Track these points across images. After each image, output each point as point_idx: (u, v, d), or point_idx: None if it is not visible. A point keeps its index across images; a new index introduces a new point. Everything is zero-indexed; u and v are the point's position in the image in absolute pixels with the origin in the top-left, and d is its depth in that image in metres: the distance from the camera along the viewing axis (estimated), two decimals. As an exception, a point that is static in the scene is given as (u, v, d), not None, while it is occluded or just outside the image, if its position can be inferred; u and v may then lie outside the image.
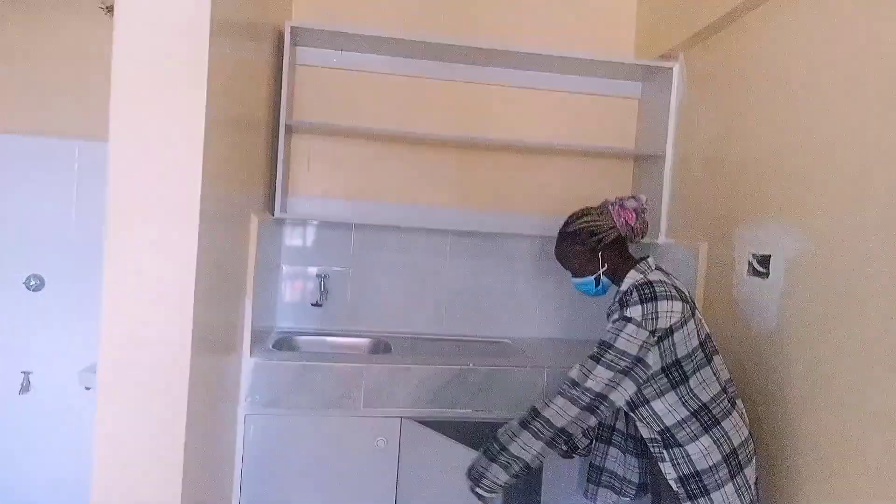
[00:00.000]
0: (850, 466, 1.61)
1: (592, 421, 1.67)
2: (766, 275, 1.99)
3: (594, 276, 1.88)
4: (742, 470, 1.67)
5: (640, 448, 1.92)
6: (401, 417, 2.25)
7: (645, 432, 1.74)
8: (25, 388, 2.52)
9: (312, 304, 2.75)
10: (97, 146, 2.50)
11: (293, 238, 2.80)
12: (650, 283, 1.70)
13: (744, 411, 1.77)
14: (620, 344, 1.65)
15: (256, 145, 2.30)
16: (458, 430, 2.25)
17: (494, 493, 1.71)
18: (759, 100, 2.10)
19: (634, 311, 1.66)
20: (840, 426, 1.65)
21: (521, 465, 1.66)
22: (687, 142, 2.57)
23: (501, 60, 2.76)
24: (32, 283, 2.53)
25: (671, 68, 2.65)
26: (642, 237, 1.91)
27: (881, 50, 1.60)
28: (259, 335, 2.36)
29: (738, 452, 1.67)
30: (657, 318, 1.64)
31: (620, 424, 1.96)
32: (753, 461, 1.72)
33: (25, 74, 2.54)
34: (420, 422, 2.23)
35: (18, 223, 2.54)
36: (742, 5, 2.11)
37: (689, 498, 1.67)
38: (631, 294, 1.69)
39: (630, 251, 1.90)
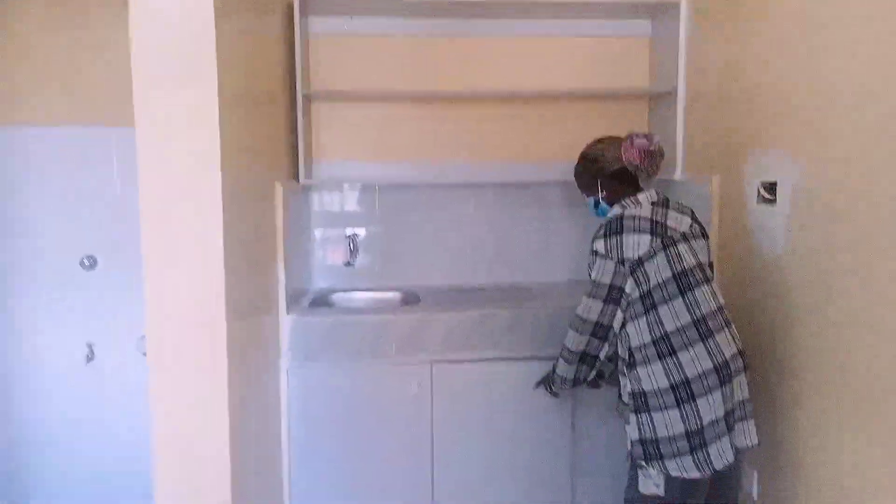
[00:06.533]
0: (852, 385, 1.68)
1: (599, 346, 1.89)
2: (774, 201, 2.03)
3: (593, 199, 2.07)
4: (694, 400, 1.73)
5: None
6: (431, 362, 2.39)
7: (619, 350, 1.89)
8: (90, 357, 2.76)
9: (344, 264, 2.90)
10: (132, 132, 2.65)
11: (321, 203, 2.94)
12: (620, 218, 1.85)
13: (719, 346, 1.77)
14: (596, 276, 1.85)
15: (276, 117, 2.42)
16: (487, 372, 2.40)
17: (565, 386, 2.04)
18: (763, 31, 2.10)
19: (598, 245, 1.85)
20: (840, 342, 1.71)
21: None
22: (698, 77, 2.57)
23: (509, 12, 2.79)
24: (86, 262, 2.74)
25: (678, 4, 2.63)
26: (650, 175, 2.00)
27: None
28: (295, 295, 2.52)
29: (692, 383, 1.73)
30: (622, 249, 1.80)
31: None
32: (714, 394, 1.73)
33: (65, 69, 2.70)
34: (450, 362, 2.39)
35: (70, 209, 2.74)
36: (738, -66, 2.10)
37: (635, 412, 1.81)
38: (600, 229, 1.87)
39: (638, 184, 2.00)
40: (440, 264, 2.98)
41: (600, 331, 1.87)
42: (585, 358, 1.93)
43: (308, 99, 2.73)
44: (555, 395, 2.18)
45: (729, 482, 1.88)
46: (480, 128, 2.96)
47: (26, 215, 2.73)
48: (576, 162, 2.14)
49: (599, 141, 2.09)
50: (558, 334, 2.34)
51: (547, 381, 2.16)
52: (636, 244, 1.80)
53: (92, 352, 2.76)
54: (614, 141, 2.03)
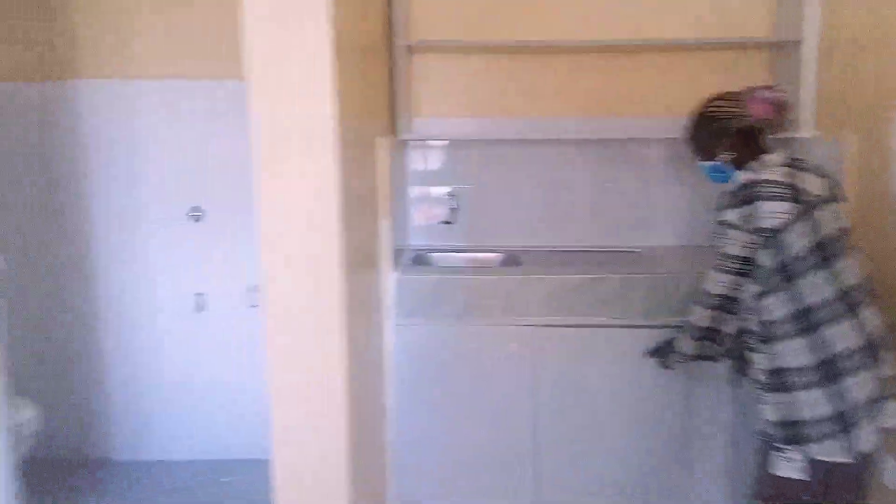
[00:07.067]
0: None
1: (727, 320, 1.78)
2: (927, 164, 1.83)
3: (713, 162, 1.89)
4: (841, 379, 1.60)
5: None
6: (533, 326, 2.34)
7: (751, 323, 1.75)
8: (200, 307, 2.86)
9: (442, 223, 2.85)
10: (238, 85, 2.67)
11: (418, 159, 2.88)
12: (754, 184, 1.68)
13: (866, 322, 1.64)
14: (726, 248, 1.71)
15: (377, 68, 2.37)
16: (591, 337, 2.33)
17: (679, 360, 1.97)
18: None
19: (730, 215, 1.69)
20: None
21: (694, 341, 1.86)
22: (831, 23, 2.34)
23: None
24: (194, 214, 2.82)
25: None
26: (775, 132, 1.85)
27: None
28: (396, 253, 2.50)
29: (839, 361, 1.60)
30: (757, 219, 1.64)
31: None
32: (862, 373, 1.60)
33: (174, 24, 2.74)
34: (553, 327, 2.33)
35: (178, 161, 2.81)
36: None
37: (773, 390, 1.68)
38: (730, 197, 1.71)
39: (764, 143, 1.83)
40: (539, 224, 2.89)
41: (728, 304, 1.75)
42: (710, 333, 1.81)
43: (408, 51, 2.66)
44: (668, 367, 2.08)
45: (869, 465, 1.75)
46: (585, 80, 2.81)
47: (137, 167, 2.82)
48: (689, 122, 1.96)
49: (717, 97, 1.91)
50: (671, 302, 2.26)
51: (661, 353, 2.07)
52: (773, 213, 1.63)
53: (202, 301, 2.85)
54: (734, 96, 1.87)
